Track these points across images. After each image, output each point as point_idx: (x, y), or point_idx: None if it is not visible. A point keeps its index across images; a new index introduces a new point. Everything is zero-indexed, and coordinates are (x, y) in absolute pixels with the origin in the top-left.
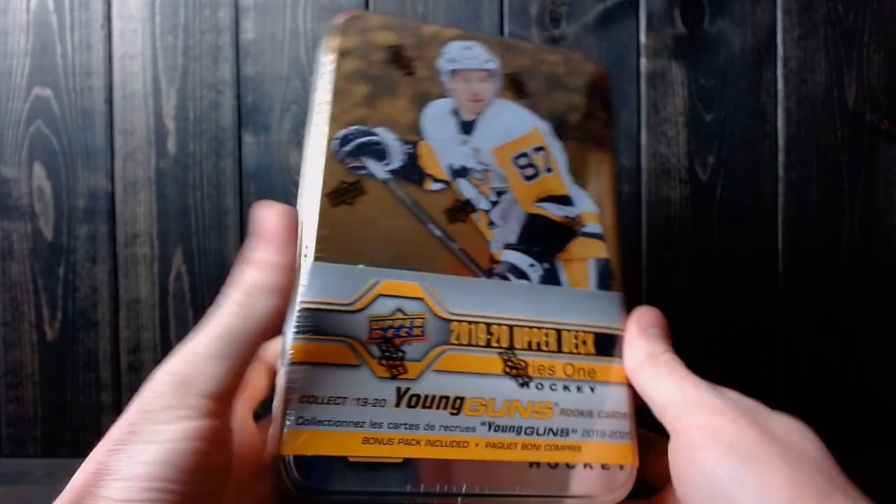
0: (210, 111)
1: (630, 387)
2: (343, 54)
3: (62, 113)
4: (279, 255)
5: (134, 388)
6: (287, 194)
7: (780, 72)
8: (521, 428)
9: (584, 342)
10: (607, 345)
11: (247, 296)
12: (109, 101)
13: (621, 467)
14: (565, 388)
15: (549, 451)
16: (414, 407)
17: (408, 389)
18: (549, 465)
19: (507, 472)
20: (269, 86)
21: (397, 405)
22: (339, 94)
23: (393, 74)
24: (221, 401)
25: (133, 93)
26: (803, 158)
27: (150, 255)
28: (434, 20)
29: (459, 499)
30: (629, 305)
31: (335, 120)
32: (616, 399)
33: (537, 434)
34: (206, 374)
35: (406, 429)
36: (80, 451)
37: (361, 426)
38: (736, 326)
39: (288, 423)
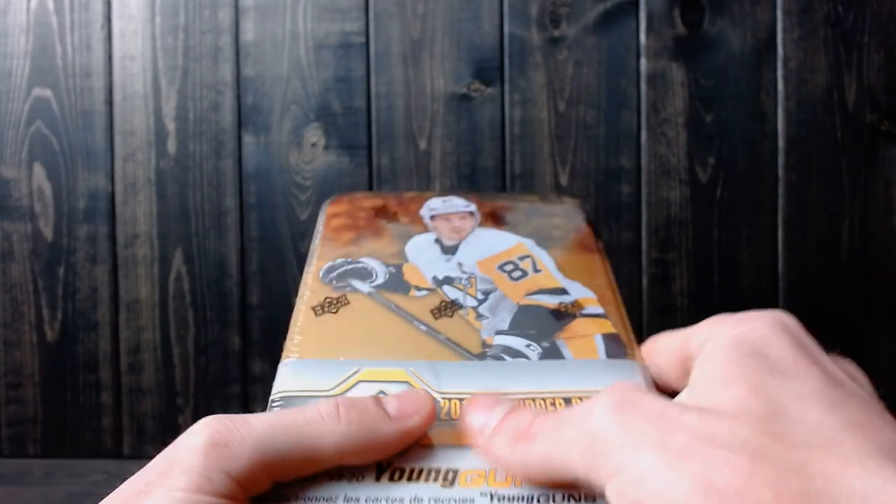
0: (210, 112)
1: None
2: (332, 216)
3: (62, 114)
4: (398, 428)
5: (134, 389)
6: (286, 195)
7: (780, 72)
8: (531, 497)
9: None
10: None
11: (334, 415)
12: (109, 102)
13: None
14: None
15: None
16: (398, 481)
17: (390, 463)
18: None
19: None
20: (269, 86)
21: (377, 480)
22: (325, 241)
23: (378, 222)
24: (246, 486)
25: (133, 93)
26: (803, 159)
27: (150, 256)
28: (434, 20)
29: None
30: (628, 307)
31: (321, 258)
32: None
33: (553, 501)
34: (243, 453)
35: (388, 503)
36: (80, 451)
37: (332, 500)
38: None
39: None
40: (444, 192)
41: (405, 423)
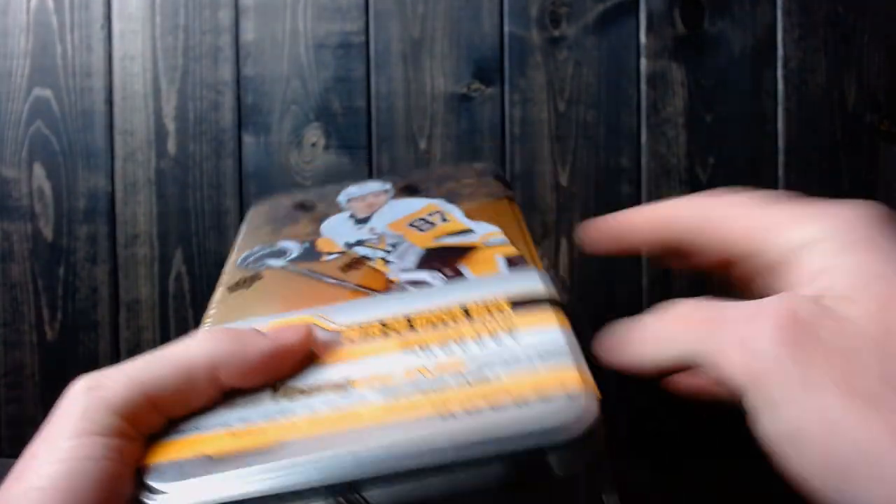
0: (210, 112)
1: (567, 329)
2: (254, 216)
3: (62, 113)
4: (271, 342)
5: None
6: None
7: (780, 72)
8: (427, 387)
9: (499, 308)
10: (531, 304)
11: (206, 337)
12: (109, 102)
13: (570, 397)
14: (479, 344)
15: (466, 399)
16: (293, 397)
17: (284, 385)
18: (466, 412)
19: (416, 433)
20: (269, 86)
21: (273, 399)
22: (245, 237)
23: (297, 214)
24: (133, 420)
25: (133, 93)
26: (803, 159)
27: (150, 256)
28: (434, 20)
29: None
30: (629, 306)
31: (240, 250)
32: (546, 337)
33: (449, 387)
34: (119, 387)
35: (282, 416)
36: None
37: (227, 425)
38: None
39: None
40: (362, 181)
41: (279, 337)
